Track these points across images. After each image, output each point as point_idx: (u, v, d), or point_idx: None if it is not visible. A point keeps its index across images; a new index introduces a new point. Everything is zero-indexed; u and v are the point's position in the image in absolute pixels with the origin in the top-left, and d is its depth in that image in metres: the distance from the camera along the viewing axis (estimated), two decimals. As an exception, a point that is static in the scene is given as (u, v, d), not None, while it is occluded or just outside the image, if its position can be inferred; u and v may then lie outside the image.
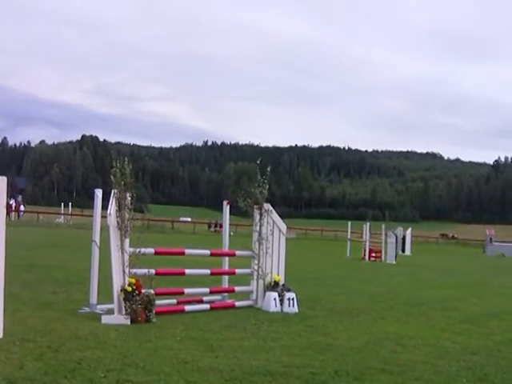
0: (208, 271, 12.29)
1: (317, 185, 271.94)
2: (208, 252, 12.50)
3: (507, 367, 8.07)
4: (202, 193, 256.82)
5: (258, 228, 12.30)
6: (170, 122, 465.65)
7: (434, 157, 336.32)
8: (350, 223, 40.33)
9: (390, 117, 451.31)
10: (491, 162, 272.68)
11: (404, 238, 47.17)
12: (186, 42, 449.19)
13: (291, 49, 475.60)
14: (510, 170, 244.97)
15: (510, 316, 13.36)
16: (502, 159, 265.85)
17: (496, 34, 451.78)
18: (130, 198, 10.02)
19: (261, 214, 12.29)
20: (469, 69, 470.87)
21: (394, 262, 33.83)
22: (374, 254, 35.21)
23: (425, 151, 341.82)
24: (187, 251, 12.07)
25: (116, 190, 9.89)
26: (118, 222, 9.84)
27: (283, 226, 12.74)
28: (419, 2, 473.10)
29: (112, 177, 9.87)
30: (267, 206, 12.33)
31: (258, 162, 12.69)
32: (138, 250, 9.98)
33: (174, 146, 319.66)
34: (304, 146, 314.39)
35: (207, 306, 11.43)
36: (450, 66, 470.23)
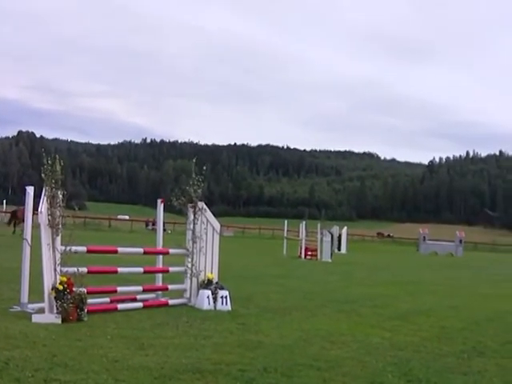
0: (141, 269, 12.25)
1: (255, 183, 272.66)
2: (141, 250, 12.46)
3: (432, 362, 8.32)
4: (140, 191, 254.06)
5: (191, 226, 12.34)
6: (109, 119, 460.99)
7: (370, 157, 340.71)
8: (286, 221, 40.58)
9: (328, 117, 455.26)
10: (426, 163, 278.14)
11: (340, 237, 47.69)
12: (126, 39, 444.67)
13: (231, 47, 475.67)
14: (443, 170, 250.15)
15: (438, 313, 13.74)
16: (437, 160, 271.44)
17: (431, 37, 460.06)
18: (61, 196, 9.94)
19: (195, 213, 12.33)
20: (405, 70, 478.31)
21: (330, 260, 34.19)
22: (310, 253, 35.51)
23: (362, 151, 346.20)
24: (120, 249, 12.04)
25: (47, 188, 9.80)
26: (49, 219, 9.75)
27: (217, 225, 12.79)
28: (356, 4, 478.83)
29: (43, 174, 9.78)
30: (201, 204, 12.38)
31: (194, 160, 12.71)
32: (69, 248, 9.90)
33: (112, 143, 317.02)
34: (243, 145, 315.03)
35: (140, 305, 11.41)
36: (387, 68, 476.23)
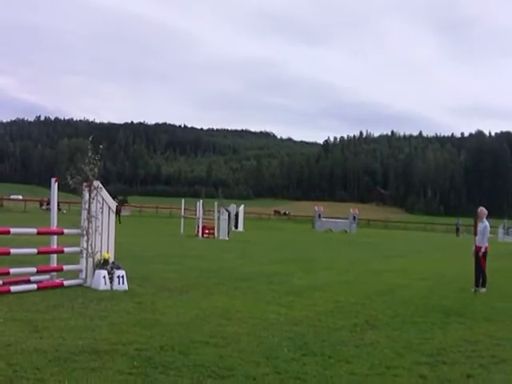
0: (35, 250, 11.93)
1: (153, 162, 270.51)
2: (35, 230, 12.17)
3: (326, 335, 8.56)
4: (34, 170, 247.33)
5: (87, 206, 12.14)
6: (0, 96, 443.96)
7: (267, 136, 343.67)
8: (183, 200, 40.47)
9: (225, 96, 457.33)
10: (321, 142, 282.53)
11: (237, 215, 48.00)
12: (17, 13, 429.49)
13: (127, 25, 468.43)
14: (338, 149, 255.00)
15: (333, 288, 14.11)
16: (332, 139, 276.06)
17: (326, 20, 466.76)
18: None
19: (90, 192, 12.13)
20: (301, 52, 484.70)
21: (227, 239, 34.37)
22: (207, 231, 35.55)
23: (258, 130, 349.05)
24: (13, 230, 11.70)
25: None
26: None
27: (113, 204, 12.65)
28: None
29: None
30: (97, 183, 12.19)
31: (90, 138, 12.52)
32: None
33: (4, 120, 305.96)
34: (140, 123, 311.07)
35: (34, 286, 11.17)
36: (284, 49, 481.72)
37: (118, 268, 12.09)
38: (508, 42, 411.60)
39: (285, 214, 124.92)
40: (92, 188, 12.16)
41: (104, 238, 12.37)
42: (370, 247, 34.97)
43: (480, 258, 15.39)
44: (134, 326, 8.38)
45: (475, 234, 15.79)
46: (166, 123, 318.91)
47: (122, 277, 12.02)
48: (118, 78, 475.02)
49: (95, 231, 12.15)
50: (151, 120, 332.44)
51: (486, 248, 15.48)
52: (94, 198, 12.20)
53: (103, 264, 12.03)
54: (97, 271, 11.94)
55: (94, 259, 12.11)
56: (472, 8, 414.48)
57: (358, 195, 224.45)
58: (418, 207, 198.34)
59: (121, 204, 44.41)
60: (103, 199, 12.37)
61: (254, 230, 48.35)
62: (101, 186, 12.31)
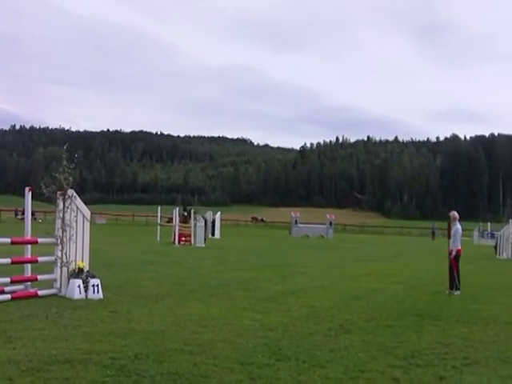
0: (9, 260, 11.87)
1: (129, 170, 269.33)
2: (8, 240, 12.09)
3: (300, 341, 8.60)
4: (9, 179, 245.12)
5: (61, 215, 12.10)
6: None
7: (244, 142, 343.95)
8: (159, 208, 40.34)
9: (201, 103, 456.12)
10: (298, 148, 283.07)
11: (214, 222, 47.95)
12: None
13: (103, 33, 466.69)
14: (314, 155, 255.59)
15: (308, 293, 14.18)
16: (308, 145, 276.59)
17: (303, 26, 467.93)
18: None
19: (64, 201, 12.09)
20: (276, 57, 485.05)
21: (204, 246, 34.36)
22: (183, 238, 35.51)
23: (235, 137, 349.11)
24: (-14, 240, 11.63)
25: None
26: None
27: (87, 212, 12.62)
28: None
29: None
30: (71, 191, 12.15)
31: (65, 147, 12.51)
32: None
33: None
34: (116, 131, 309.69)
35: (8, 296, 11.10)
36: (259, 54, 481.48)
37: (93, 277, 12.06)
38: (483, 48, 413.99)
39: (262, 220, 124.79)
40: (66, 197, 12.13)
41: (78, 247, 12.33)
42: (347, 252, 35.11)
43: (451, 261, 15.58)
44: (109, 334, 8.36)
45: (449, 237, 15.94)
46: (142, 131, 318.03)
47: (97, 285, 11.99)
48: (94, 86, 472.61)
49: (69, 240, 12.11)
50: (127, 128, 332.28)
51: (459, 250, 15.68)
52: (68, 207, 12.16)
53: (78, 273, 11.99)
54: (71, 280, 11.89)
55: (68, 268, 12.07)
56: (448, 13, 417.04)
57: (335, 200, 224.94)
58: (394, 211, 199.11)
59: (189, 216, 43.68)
60: (77, 208, 12.33)
61: (231, 237, 48.37)
62: (75, 194, 12.28)
